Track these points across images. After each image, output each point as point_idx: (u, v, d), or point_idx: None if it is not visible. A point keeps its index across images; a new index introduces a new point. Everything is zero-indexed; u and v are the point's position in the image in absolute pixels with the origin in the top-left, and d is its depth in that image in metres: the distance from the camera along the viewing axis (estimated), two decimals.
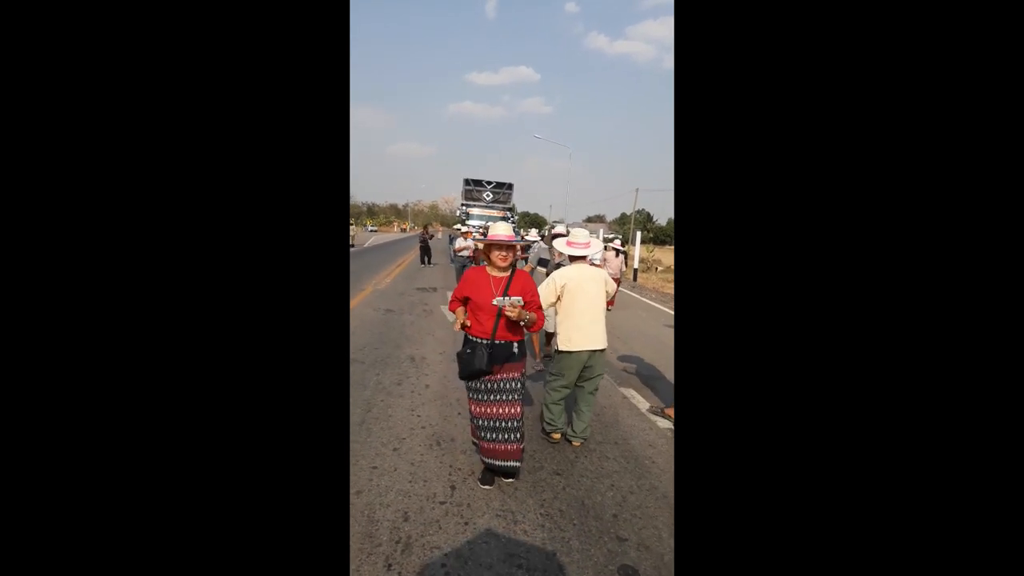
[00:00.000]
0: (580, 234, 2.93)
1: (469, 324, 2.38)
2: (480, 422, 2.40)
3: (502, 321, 2.30)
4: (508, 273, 2.36)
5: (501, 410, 2.36)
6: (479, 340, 2.33)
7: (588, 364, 2.87)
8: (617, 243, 9.46)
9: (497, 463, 2.40)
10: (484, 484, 2.45)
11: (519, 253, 2.54)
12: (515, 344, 2.38)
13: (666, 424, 3.40)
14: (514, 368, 2.38)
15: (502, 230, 2.39)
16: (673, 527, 2.20)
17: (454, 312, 2.46)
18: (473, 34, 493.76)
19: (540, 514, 2.24)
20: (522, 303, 2.29)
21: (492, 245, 2.34)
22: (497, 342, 2.32)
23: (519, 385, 2.41)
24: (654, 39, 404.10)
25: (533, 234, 8.16)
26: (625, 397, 3.92)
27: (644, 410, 3.65)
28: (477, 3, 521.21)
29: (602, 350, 2.88)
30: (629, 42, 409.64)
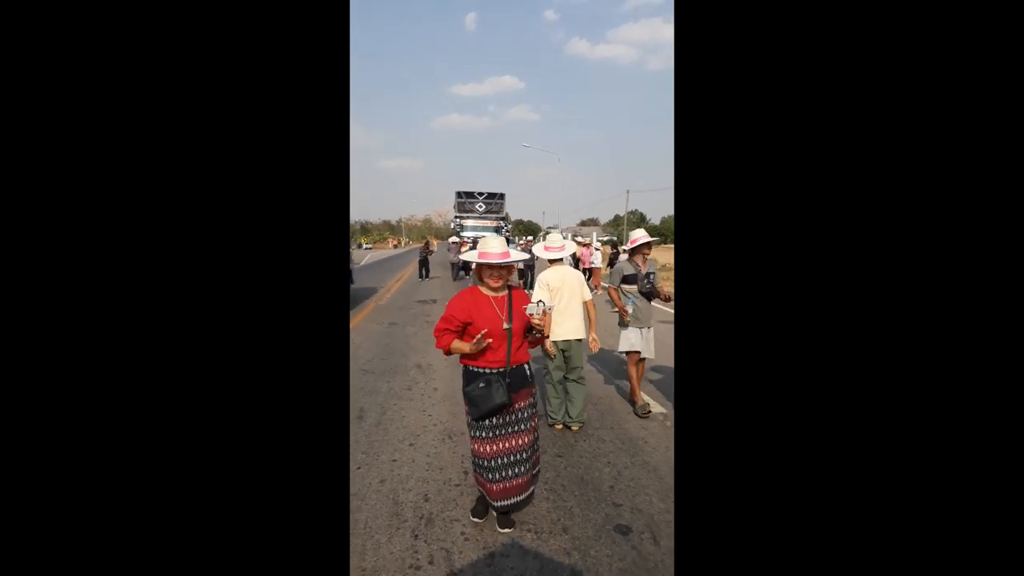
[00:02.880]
0: (555, 239, 3.30)
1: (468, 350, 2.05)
2: (490, 462, 2.09)
3: (514, 344, 2.08)
4: (506, 293, 2.13)
5: (517, 441, 2.10)
6: (490, 371, 2.05)
7: (568, 354, 3.27)
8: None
9: (511, 501, 2.13)
10: (475, 517, 2.22)
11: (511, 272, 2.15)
12: (527, 366, 2.16)
13: (658, 409, 3.69)
14: (528, 394, 2.16)
15: (494, 247, 2.05)
16: (662, 493, 2.49)
17: (450, 347, 2.10)
18: (455, 48, 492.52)
19: (545, 489, 2.53)
20: (548, 307, 2.09)
21: (483, 265, 2.06)
22: (513, 368, 2.08)
23: (533, 411, 2.18)
24: (635, 42, 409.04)
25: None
26: (620, 388, 4.21)
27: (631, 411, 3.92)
28: (456, 17, 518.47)
29: (579, 340, 3.28)
30: (610, 46, 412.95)
